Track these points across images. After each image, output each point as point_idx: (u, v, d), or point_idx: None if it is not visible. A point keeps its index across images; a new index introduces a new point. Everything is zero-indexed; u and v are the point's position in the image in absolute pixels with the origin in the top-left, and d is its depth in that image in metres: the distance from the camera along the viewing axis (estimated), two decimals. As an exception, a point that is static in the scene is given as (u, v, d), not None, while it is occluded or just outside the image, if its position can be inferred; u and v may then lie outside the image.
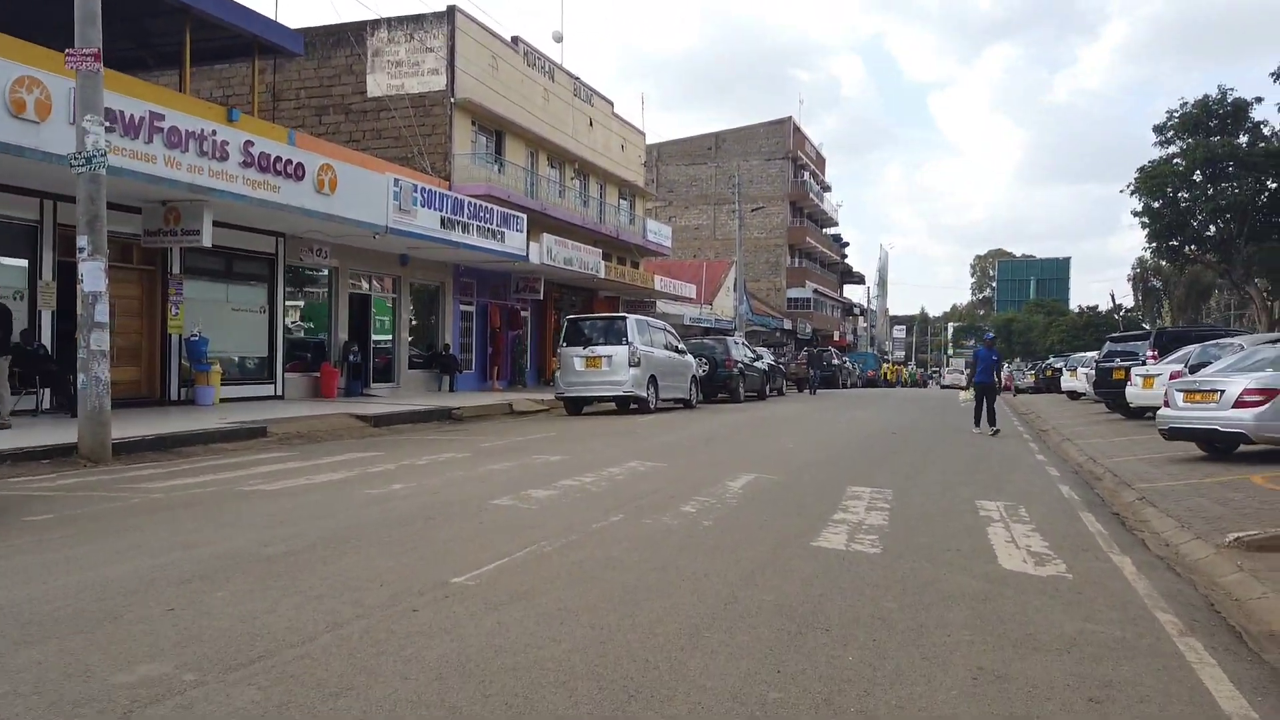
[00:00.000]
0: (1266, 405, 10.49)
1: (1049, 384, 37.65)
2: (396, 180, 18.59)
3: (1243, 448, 11.34)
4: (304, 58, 24.51)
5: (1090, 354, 31.01)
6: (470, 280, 25.39)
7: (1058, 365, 37.00)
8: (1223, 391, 10.96)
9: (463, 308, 25.52)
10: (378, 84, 25.40)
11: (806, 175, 67.73)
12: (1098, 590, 4.96)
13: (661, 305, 38.37)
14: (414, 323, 23.93)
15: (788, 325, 59.54)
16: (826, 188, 75.21)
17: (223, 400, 16.48)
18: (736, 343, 24.84)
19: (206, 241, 15.06)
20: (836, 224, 77.91)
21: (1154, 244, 34.24)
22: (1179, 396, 11.64)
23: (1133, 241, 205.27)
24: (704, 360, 22.94)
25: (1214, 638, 4.20)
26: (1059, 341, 70.95)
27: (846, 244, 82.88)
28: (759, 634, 3.94)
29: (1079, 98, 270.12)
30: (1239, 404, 10.71)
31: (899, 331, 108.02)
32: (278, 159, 15.54)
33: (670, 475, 9.02)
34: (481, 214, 21.41)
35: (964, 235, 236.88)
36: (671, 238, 64.21)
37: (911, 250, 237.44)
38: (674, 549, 5.59)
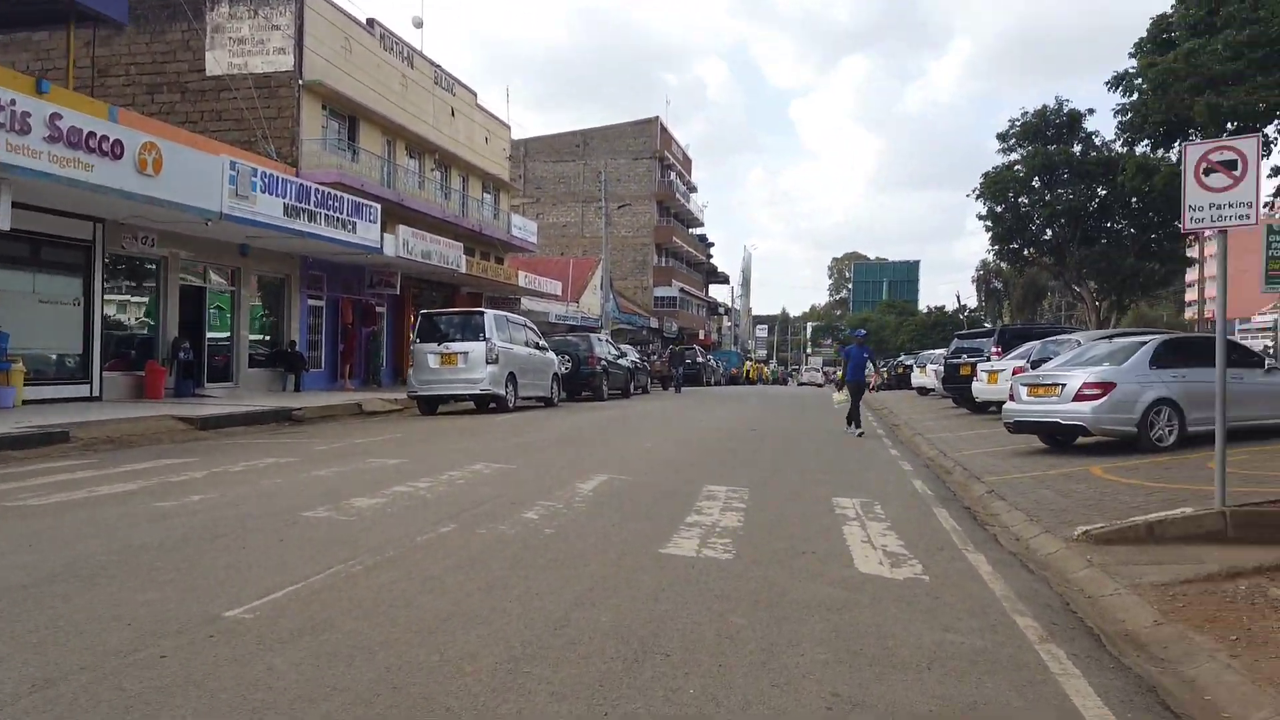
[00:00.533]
0: (1104, 398, 10.81)
1: (900, 380, 39.05)
2: (233, 163, 17.13)
3: (1080, 439, 11.70)
4: (135, 30, 22.46)
5: (938, 351, 32.22)
6: (320, 273, 23.89)
7: (908, 363, 38.42)
8: (1063, 385, 11.25)
9: (311, 302, 23.99)
10: (218, 62, 23.56)
11: (673, 175, 68.19)
12: (955, 593, 4.68)
13: (526, 302, 37.56)
14: (267, 317, 22.31)
15: (654, 324, 59.73)
16: (693, 188, 76.02)
17: (26, 402, 14.71)
18: (600, 340, 24.39)
19: (4, 224, 13.34)
20: (702, 224, 78.90)
21: (996, 246, 36.02)
22: (1023, 391, 11.92)
23: (976, 245, 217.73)
24: (567, 358, 22.35)
25: (1074, 643, 3.96)
26: (909, 340, 74.31)
27: (712, 244, 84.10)
28: (590, 665, 3.41)
29: (929, 109, 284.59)
30: (1079, 397, 11.00)
31: (761, 331, 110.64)
32: (91, 135, 13.95)
33: (517, 478, 8.39)
34: (331, 202, 20.10)
35: (822, 239, 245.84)
36: (538, 234, 63.51)
37: (773, 252, 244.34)
38: (506, 564, 4.99)
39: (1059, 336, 16.57)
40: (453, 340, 16.73)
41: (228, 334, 20.99)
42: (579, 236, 63.96)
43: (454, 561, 4.99)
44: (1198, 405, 11.23)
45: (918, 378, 30.78)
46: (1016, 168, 33.74)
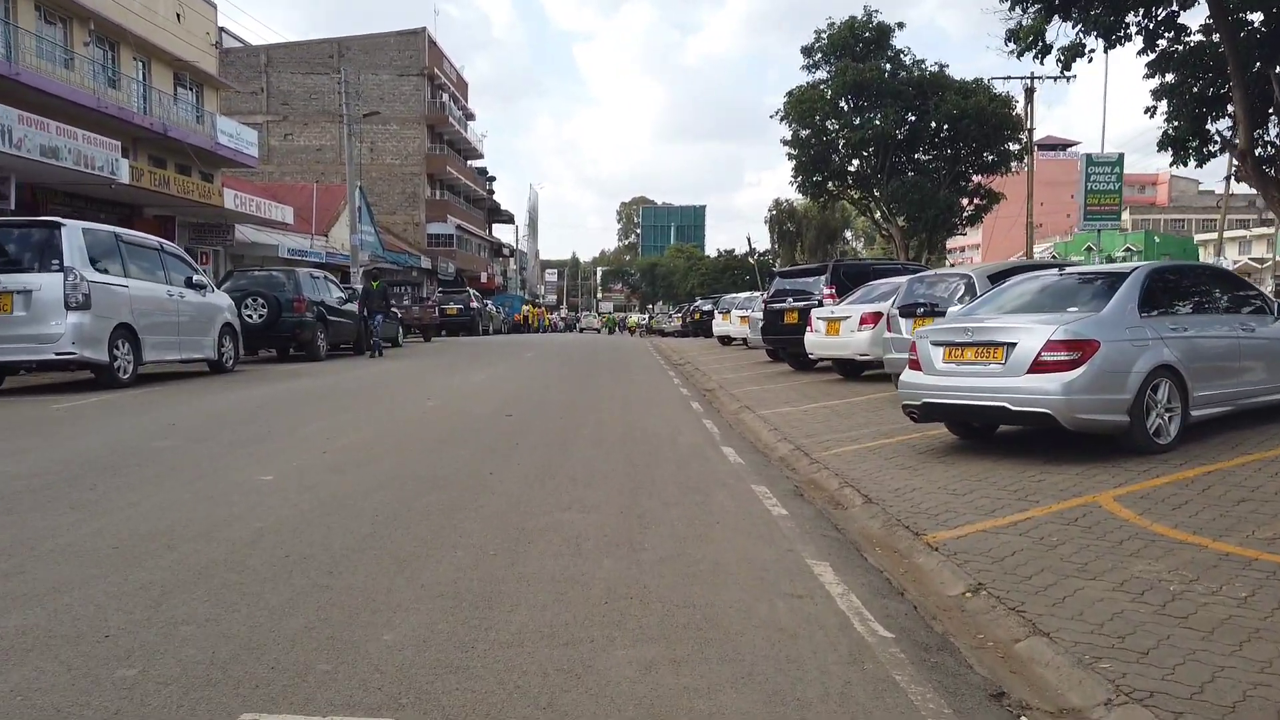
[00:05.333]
0: (1082, 368, 6.32)
1: (697, 328, 35.10)
2: None
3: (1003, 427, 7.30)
4: None
5: (742, 295, 28.24)
6: None
7: (706, 308, 34.43)
8: (1011, 346, 6.69)
9: None
10: None
11: (446, 97, 60.40)
12: None
13: (249, 233, 29.96)
14: None
15: (427, 264, 52.55)
16: (470, 116, 68.31)
17: None
18: (315, 278, 17.86)
19: None
20: (482, 156, 71.53)
21: (799, 178, 32.19)
22: (936, 354, 7.24)
23: (756, 196, 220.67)
24: (259, 301, 15.89)
25: None
26: (699, 285, 71.44)
27: (493, 178, 76.80)
28: None
29: (706, 62, 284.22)
30: (1038, 366, 6.47)
31: (551, 275, 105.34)
32: None
33: None
34: None
35: (608, 186, 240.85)
36: (285, 157, 54.25)
37: (562, 198, 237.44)
38: None
39: (927, 274, 12.31)
40: (2, 270, 10.01)
41: None
42: (336, 162, 55.27)
43: None
44: (1204, 376, 7.04)
45: (720, 325, 26.59)
46: (823, 87, 29.94)
